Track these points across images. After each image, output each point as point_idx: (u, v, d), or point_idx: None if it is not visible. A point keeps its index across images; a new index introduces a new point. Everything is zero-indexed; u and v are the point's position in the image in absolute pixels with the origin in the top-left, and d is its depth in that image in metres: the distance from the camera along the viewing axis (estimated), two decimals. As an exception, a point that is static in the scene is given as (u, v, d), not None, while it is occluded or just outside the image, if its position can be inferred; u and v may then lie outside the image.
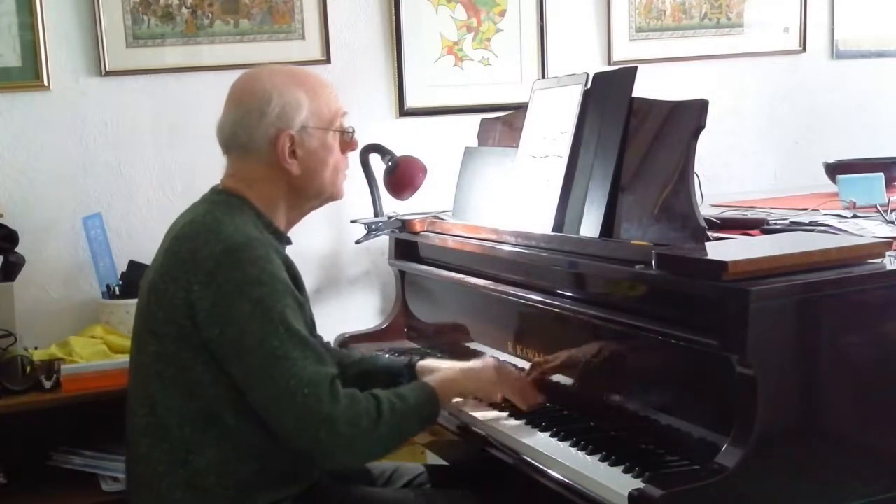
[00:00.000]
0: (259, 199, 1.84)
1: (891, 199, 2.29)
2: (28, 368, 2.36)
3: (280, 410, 1.68)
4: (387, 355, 2.34)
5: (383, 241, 2.83)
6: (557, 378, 2.00)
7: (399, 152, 2.72)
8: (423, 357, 2.16)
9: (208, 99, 2.86)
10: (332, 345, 2.66)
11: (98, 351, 2.46)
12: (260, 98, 1.82)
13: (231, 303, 1.68)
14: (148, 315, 1.77)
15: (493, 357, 2.17)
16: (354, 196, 2.84)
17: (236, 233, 1.73)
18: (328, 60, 2.95)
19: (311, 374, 1.68)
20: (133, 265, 2.67)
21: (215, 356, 1.70)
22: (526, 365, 2.11)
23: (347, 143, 1.93)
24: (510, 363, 2.16)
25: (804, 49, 3.46)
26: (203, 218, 1.79)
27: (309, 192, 1.89)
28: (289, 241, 1.91)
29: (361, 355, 2.22)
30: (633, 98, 2.01)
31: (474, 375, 1.97)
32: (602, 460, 1.69)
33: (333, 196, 1.94)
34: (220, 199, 1.84)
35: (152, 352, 1.76)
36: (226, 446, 1.73)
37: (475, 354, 2.32)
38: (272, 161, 1.83)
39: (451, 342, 2.44)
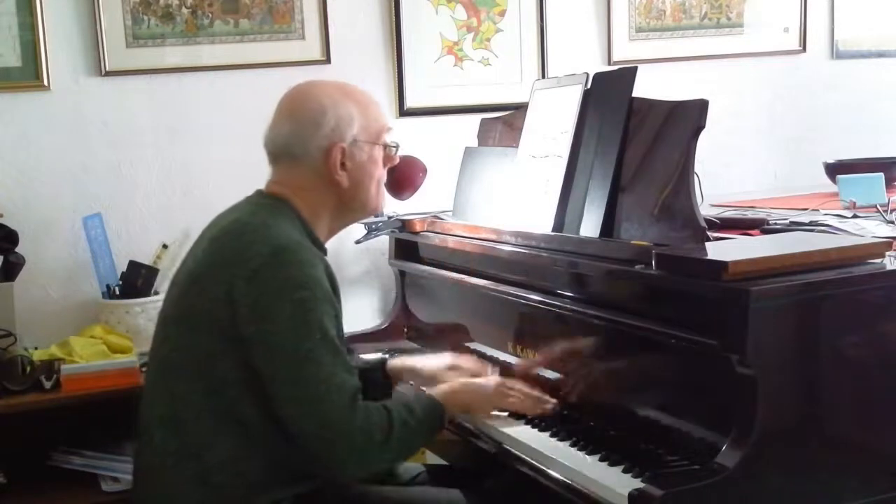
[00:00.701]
0: (305, 207, 1.87)
1: (891, 199, 2.29)
2: (28, 368, 2.36)
3: (304, 413, 1.70)
4: (362, 356, 2.35)
5: (383, 241, 2.83)
6: (557, 378, 2.00)
7: (399, 152, 2.72)
8: (392, 356, 2.18)
9: (208, 99, 2.89)
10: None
11: (98, 351, 2.46)
12: (315, 110, 1.85)
13: (272, 302, 1.70)
14: (183, 306, 1.79)
15: (491, 362, 2.19)
16: (354, 196, 2.86)
17: (284, 235, 1.77)
18: (328, 60, 2.95)
19: (339, 383, 1.70)
20: (133, 265, 2.67)
21: (247, 354, 1.71)
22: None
23: (390, 157, 1.98)
24: (509, 363, 2.17)
25: (804, 49, 3.47)
26: (250, 218, 1.81)
27: (354, 204, 1.93)
28: (325, 251, 1.92)
29: None
30: (633, 98, 2.01)
31: (475, 389, 1.97)
32: (602, 460, 1.69)
33: (375, 210, 2.00)
34: (267, 203, 1.87)
35: (182, 344, 1.77)
36: (239, 445, 1.74)
37: (476, 355, 2.32)
38: (322, 172, 1.86)
39: (451, 342, 2.43)
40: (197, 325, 1.75)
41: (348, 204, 1.92)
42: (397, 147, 1.98)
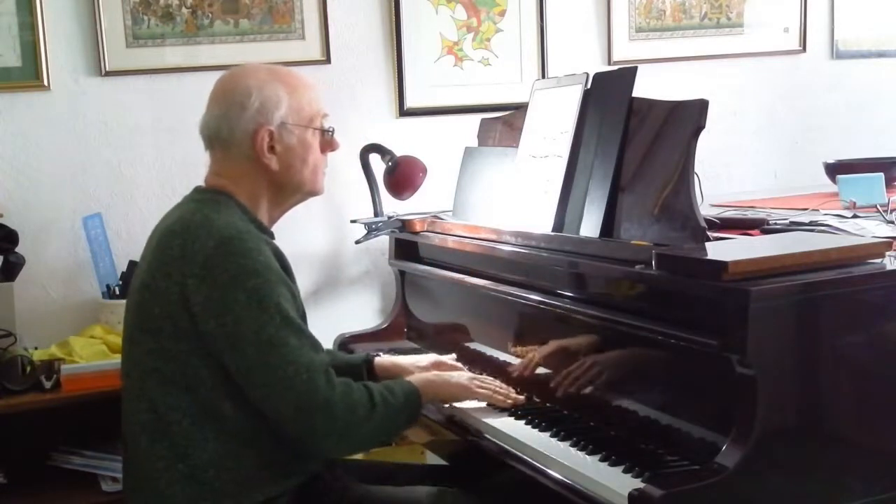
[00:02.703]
0: (243, 194, 1.88)
1: (891, 199, 2.29)
2: (28, 368, 2.36)
3: (278, 397, 1.70)
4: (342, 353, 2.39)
5: (383, 241, 2.83)
6: (558, 378, 2.00)
7: (399, 152, 2.72)
8: (377, 354, 2.23)
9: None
10: (332, 345, 2.67)
11: (98, 351, 2.46)
12: (241, 93, 1.86)
13: (226, 294, 1.70)
14: (141, 312, 1.79)
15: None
16: (354, 196, 2.86)
17: (227, 226, 1.76)
18: (328, 60, 2.95)
19: (308, 361, 1.72)
20: (133, 265, 2.66)
21: (212, 350, 1.72)
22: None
23: (327, 142, 1.96)
24: (509, 363, 2.17)
25: (804, 49, 3.47)
26: (192, 215, 1.81)
27: (288, 187, 1.92)
28: (271, 235, 1.92)
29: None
30: (633, 98, 2.01)
31: (447, 380, 2.02)
32: (602, 460, 1.69)
33: (313, 192, 1.97)
34: (206, 197, 1.87)
35: (148, 349, 1.77)
36: (225, 440, 1.75)
37: (476, 354, 2.32)
38: (252, 156, 1.86)
39: (451, 342, 2.44)
40: (159, 330, 1.75)
41: (283, 187, 1.91)
42: (332, 131, 1.96)
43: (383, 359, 2.20)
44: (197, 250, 1.72)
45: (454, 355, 2.29)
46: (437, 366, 2.16)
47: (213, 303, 1.70)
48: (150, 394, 1.77)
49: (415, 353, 2.38)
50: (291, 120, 1.87)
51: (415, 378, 1.97)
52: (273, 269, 1.75)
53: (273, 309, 1.71)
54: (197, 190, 1.92)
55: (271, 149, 1.86)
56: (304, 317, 1.83)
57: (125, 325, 1.88)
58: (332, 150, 1.98)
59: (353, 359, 2.22)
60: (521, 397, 2.03)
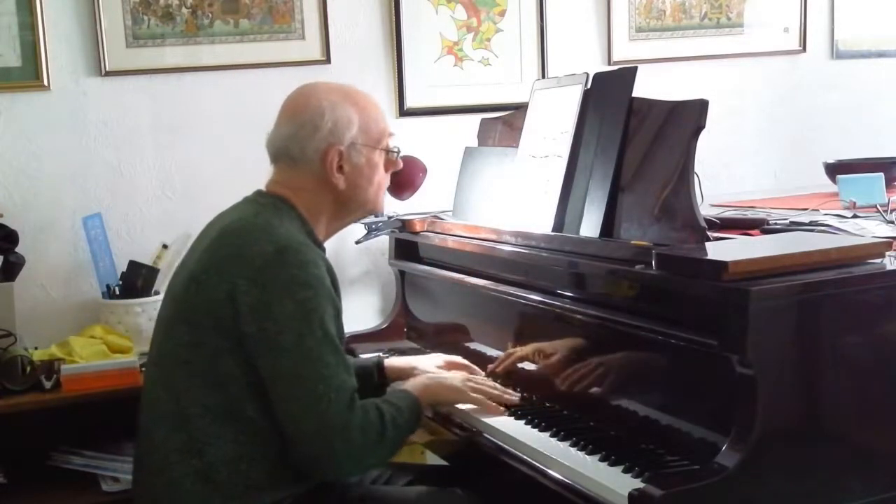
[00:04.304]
0: (304, 207, 1.89)
1: (891, 199, 2.29)
2: (28, 368, 2.36)
3: (303, 411, 1.71)
4: (362, 355, 2.38)
5: (383, 241, 2.83)
6: (558, 378, 2.00)
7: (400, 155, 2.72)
8: (388, 356, 2.24)
9: (208, 99, 2.89)
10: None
11: (98, 351, 2.46)
12: (314, 113, 1.87)
13: (275, 301, 1.71)
14: (185, 304, 1.80)
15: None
16: (354, 196, 2.85)
17: (287, 235, 1.78)
18: (328, 60, 2.95)
19: (339, 382, 1.72)
20: (133, 265, 2.67)
21: (248, 352, 1.73)
22: (529, 365, 2.11)
23: (392, 162, 1.99)
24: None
25: (804, 49, 3.46)
26: (254, 218, 1.82)
27: (351, 206, 1.95)
28: (324, 250, 1.93)
29: None
30: (633, 98, 2.01)
31: (441, 383, 2.03)
32: (602, 460, 1.69)
33: (374, 211, 2.02)
34: (269, 203, 1.88)
35: (185, 341, 1.77)
36: (242, 442, 1.75)
37: (476, 354, 2.32)
38: (320, 174, 1.88)
39: (451, 342, 2.44)
40: (199, 323, 1.76)
41: (346, 205, 1.94)
42: (398, 151, 1.99)
43: (393, 360, 2.21)
44: (256, 253, 1.73)
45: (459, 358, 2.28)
46: (452, 367, 2.17)
47: (261, 307, 1.71)
48: (176, 385, 1.77)
49: (414, 354, 2.39)
50: (361, 140, 1.90)
51: (412, 386, 1.97)
52: (325, 284, 1.76)
53: (317, 323, 1.72)
54: (259, 193, 1.93)
55: (339, 168, 1.88)
56: (342, 338, 1.84)
57: (161, 314, 1.88)
58: (396, 169, 2.02)
59: (364, 364, 2.20)
60: (516, 399, 2.02)
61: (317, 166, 1.87)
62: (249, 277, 1.72)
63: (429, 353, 2.41)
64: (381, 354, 2.23)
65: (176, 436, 1.76)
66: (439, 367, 2.16)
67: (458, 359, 2.23)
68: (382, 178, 1.97)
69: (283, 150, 1.89)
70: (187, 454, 1.75)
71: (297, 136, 1.87)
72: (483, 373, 2.19)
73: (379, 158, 1.94)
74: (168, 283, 1.94)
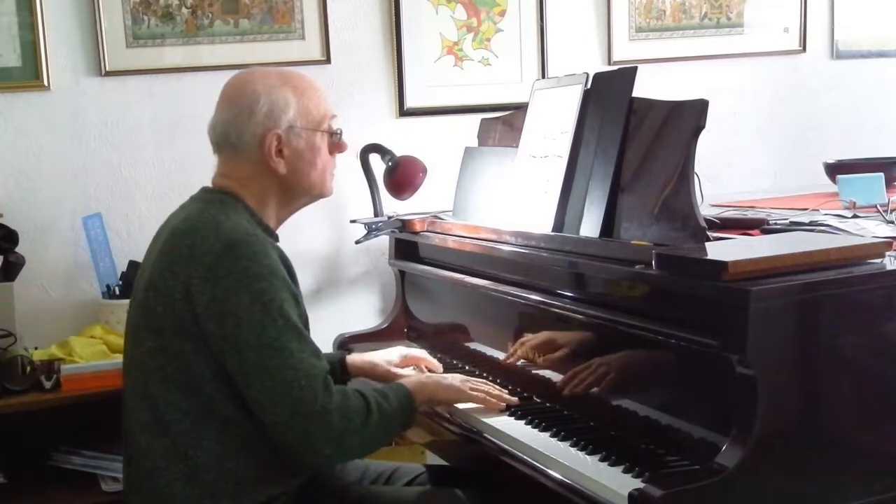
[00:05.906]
0: (251, 197, 1.88)
1: (891, 199, 2.29)
2: (28, 368, 2.36)
3: (275, 401, 1.69)
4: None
5: (383, 241, 2.83)
6: (558, 378, 2.00)
7: (399, 152, 2.73)
8: (350, 352, 2.25)
9: (208, 99, 2.85)
10: (332, 345, 2.67)
11: (98, 351, 2.46)
12: (249, 97, 1.86)
13: (230, 296, 1.70)
14: (146, 311, 1.79)
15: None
16: (354, 196, 2.86)
17: (234, 229, 1.76)
18: (328, 60, 2.95)
19: (307, 367, 1.71)
20: (133, 265, 2.66)
21: (214, 350, 1.72)
22: (529, 365, 2.11)
23: (336, 144, 1.96)
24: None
25: (804, 49, 3.47)
26: (200, 215, 1.81)
27: (297, 191, 1.92)
28: (276, 238, 1.92)
29: None
30: (633, 98, 2.01)
31: (440, 382, 2.01)
32: (602, 460, 1.69)
33: (321, 195, 1.97)
34: (214, 198, 1.86)
35: (150, 348, 1.77)
36: (226, 440, 1.74)
37: (476, 354, 2.32)
38: (261, 160, 1.86)
39: (452, 342, 2.44)
40: (162, 329, 1.75)
41: (292, 191, 1.92)
42: (341, 133, 1.96)
43: (354, 356, 2.22)
44: (205, 251, 1.72)
45: (426, 352, 2.31)
46: (411, 360, 2.20)
47: (217, 304, 1.70)
48: (151, 393, 1.76)
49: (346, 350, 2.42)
50: (300, 123, 1.87)
51: (408, 381, 1.96)
52: (278, 273, 1.75)
53: (276, 313, 1.71)
54: (204, 190, 1.92)
55: (279, 153, 1.86)
56: (306, 322, 1.83)
57: (128, 324, 1.87)
58: (341, 151, 1.98)
59: (331, 357, 2.19)
60: (515, 399, 2.02)
61: (256, 152, 1.85)
62: (202, 276, 1.71)
63: (428, 353, 2.41)
64: (343, 351, 2.25)
65: (159, 442, 1.75)
66: (398, 361, 2.18)
67: (418, 352, 2.25)
68: (328, 161, 1.94)
69: (223, 137, 1.88)
70: (173, 459, 1.74)
71: (235, 122, 1.86)
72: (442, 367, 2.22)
73: (321, 141, 1.91)
74: (132, 292, 1.92)
